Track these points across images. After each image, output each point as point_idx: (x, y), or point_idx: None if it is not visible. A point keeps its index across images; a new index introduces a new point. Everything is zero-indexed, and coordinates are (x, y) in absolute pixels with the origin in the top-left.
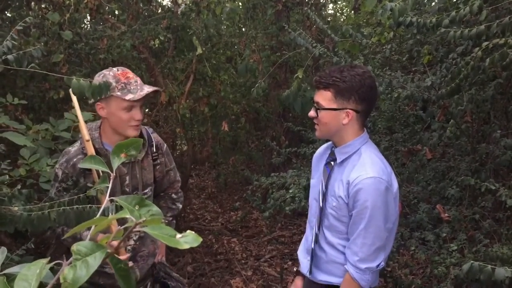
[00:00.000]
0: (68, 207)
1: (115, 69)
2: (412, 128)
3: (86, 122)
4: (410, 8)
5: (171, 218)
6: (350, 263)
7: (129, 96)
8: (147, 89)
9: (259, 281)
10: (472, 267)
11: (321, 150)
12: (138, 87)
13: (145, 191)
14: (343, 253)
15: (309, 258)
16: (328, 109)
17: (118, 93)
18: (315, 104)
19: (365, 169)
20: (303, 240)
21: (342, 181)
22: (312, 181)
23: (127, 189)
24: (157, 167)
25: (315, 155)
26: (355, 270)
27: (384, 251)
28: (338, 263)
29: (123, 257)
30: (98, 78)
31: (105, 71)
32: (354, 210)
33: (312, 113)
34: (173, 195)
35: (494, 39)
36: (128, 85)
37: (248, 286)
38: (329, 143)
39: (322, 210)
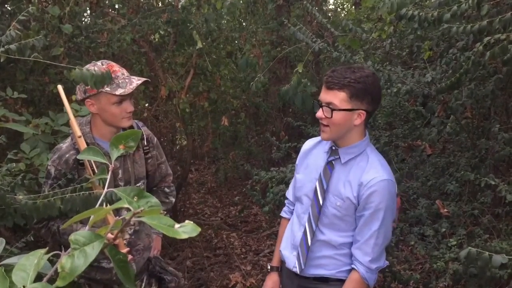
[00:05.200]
0: (74, 194)
1: (99, 63)
2: (412, 124)
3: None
4: (410, 1)
5: (165, 213)
6: (361, 263)
7: (119, 91)
8: (136, 81)
9: (258, 276)
10: (470, 253)
11: (310, 146)
12: (127, 80)
13: (138, 184)
14: (340, 249)
15: (295, 253)
16: (343, 109)
17: (107, 89)
18: (324, 104)
19: (378, 172)
20: (287, 235)
21: (350, 182)
22: (298, 176)
23: (120, 183)
24: (149, 160)
25: (303, 150)
26: (366, 270)
27: (385, 247)
28: (330, 257)
29: (122, 251)
30: None
31: (89, 67)
32: (367, 211)
33: (320, 114)
34: (165, 189)
35: (496, 34)
36: (116, 79)
37: (247, 281)
38: (317, 140)
39: (321, 209)
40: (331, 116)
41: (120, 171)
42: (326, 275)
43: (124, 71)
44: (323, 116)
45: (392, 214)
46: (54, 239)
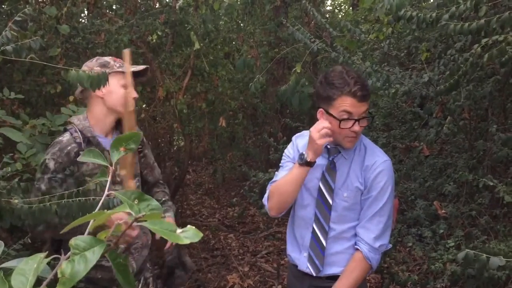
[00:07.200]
0: (70, 200)
1: (107, 57)
2: (409, 125)
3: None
4: (408, 3)
5: (170, 203)
6: (365, 242)
7: (131, 69)
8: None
9: (255, 277)
10: (467, 255)
11: (303, 145)
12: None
13: (133, 181)
14: (350, 241)
15: (306, 254)
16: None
17: (120, 69)
18: (360, 117)
19: (378, 154)
20: (290, 239)
21: (354, 171)
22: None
23: (118, 179)
24: (142, 159)
25: (298, 148)
26: (369, 249)
27: (390, 229)
28: (344, 253)
29: (134, 232)
30: (92, 63)
31: (96, 57)
32: (373, 192)
33: (358, 127)
34: (160, 185)
35: (493, 35)
36: (124, 64)
37: (245, 282)
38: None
39: (331, 207)
40: (370, 123)
41: (118, 167)
42: (339, 273)
43: None
44: (360, 128)
45: (393, 193)
46: (55, 233)
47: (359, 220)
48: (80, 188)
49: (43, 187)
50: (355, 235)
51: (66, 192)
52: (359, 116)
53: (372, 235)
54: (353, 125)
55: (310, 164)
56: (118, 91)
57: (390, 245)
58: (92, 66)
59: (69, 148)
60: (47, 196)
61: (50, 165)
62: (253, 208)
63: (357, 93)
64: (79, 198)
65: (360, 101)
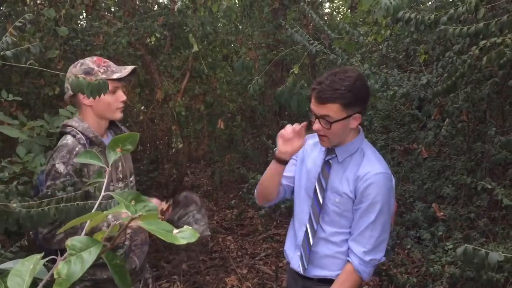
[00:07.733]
0: (69, 204)
1: (88, 59)
2: (408, 127)
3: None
4: (406, 5)
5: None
6: (355, 254)
7: (115, 75)
8: (128, 68)
9: (254, 279)
10: (467, 250)
11: (310, 147)
12: (118, 68)
13: (131, 179)
14: (341, 247)
15: (298, 253)
16: (340, 119)
17: (103, 76)
18: (320, 117)
19: (374, 165)
20: (289, 236)
21: (347, 178)
22: (296, 172)
23: (121, 175)
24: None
25: (304, 149)
26: (359, 262)
27: (386, 243)
28: (333, 257)
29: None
30: (76, 68)
31: (80, 60)
32: (363, 204)
33: (318, 126)
34: None
35: (492, 38)
36: (109, 67)
37: (243, 284)
38: (317, 140)
39: (322, 207)
40: (330, 128)
41: (119, 164)
42: (330, 276)
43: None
44: (321, 128)
45: (389, 208)
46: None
47: (352, 231)
48: (78, 192)
49: (58, 193)
50: (346, 241)
51: (64, 195)
52: (318, 115)
53: (363, 249)
54: (314, 122)
55: (276, 158)
56: (105, 98)
57: (384, 258)
58: (76, 72)
59: (77, 149)
60: (45, 200)
61: (61, 169)
62: (251, 210)
63: (313, 93)
64: (77, 203)
65: (318, 102)
